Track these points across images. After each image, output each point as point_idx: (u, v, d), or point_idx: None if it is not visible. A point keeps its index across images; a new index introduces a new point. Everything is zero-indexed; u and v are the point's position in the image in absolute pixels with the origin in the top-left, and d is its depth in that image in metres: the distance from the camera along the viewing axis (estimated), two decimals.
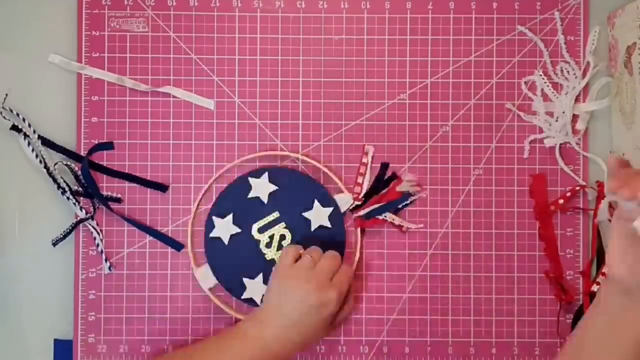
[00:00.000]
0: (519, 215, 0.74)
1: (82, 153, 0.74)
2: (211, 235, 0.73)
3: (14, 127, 0.72)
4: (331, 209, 0.72)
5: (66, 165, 0.73)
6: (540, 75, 0.74)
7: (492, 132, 0.75)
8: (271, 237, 0.72)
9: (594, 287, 0.72)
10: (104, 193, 0.73)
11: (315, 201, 0.72)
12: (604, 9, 0.74)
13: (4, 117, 0.73)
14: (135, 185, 0.74)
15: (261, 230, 0.73)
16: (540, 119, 0.74)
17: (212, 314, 0.74)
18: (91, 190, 0.72)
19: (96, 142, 0.74)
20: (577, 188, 0.73)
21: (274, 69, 0.74)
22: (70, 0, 0.74)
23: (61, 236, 0.72)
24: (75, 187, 0.73)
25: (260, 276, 0.72)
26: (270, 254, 0.73)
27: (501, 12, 0.75)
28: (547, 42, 0.75)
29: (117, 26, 0.74)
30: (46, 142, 0.73)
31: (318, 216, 0.72)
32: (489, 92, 0.75)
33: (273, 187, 0.72)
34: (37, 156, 0.72)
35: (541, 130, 0.74)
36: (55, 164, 0.73)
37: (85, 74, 0.74)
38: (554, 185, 0.74)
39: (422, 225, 0.73)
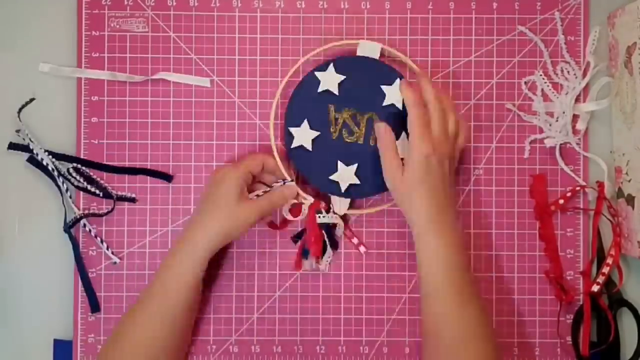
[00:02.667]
0: (519, 215, 0.74)
1: (82, 153, 0.74)
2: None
3: (16, 147, 0.73)
4: (399, 79, 0.71)
5: (75, 169, 0.73)
6: (541, 75, 0.74)
7: (492, 132, 0.75)
8: (345, 125, 0.71)
9: (594, 287, 0.72)
10: (117, 193, 0.73)
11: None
12: (604, 9, 0.75)
13: (16, 133, 0.73)
14: (135, 185, 0.74)
15: (336, 121, 0.72)
16: (540, 119, 0.74)
17: (212, 314, 0.74)
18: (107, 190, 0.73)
19: (96, 142, 0.74)
20: (577, 188, 0.73)
21: (274, 69, 0.74)
22: (70, 0, 0.74)
23: (70, 223, 0.73)
24: (90, 187, 0.73)
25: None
26: (356, 136, 0.72)
27: (501, 12, 0.75)
28: (547, 42, 0.75)
29: (117, 26, 0.74)
30: (51, 153, 0.73)
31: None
32: (489, 92, 0.75)
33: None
34: (42, 159, 0.72)
35: (541, 130, 0.74)
36: (67, 169, 0.73)
37: (80, 77, 0.74)
38: (554, 185, 0.74)
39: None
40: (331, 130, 0.71)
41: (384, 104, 0.71)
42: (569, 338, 0.73)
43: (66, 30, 0.74)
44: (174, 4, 0.75)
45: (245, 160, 0.71)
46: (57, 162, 0.73)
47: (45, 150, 0.73)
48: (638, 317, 0.73)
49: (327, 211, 0.72)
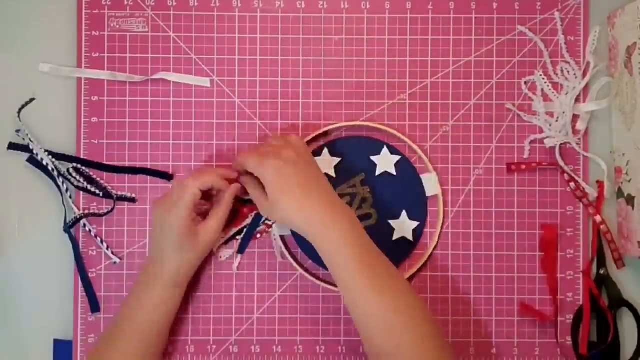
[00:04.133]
0: (519, 215, 0.74)
1: (82, 153, 0.74)
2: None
3: (16, 147, 0.73)
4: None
5: (75, 169, 0.73)
6: (541, 75, 0.74)
7: (492, 132, 0.75)
8: (353, 196, 0.73)
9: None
10: (117, 193, 0.73)
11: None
12: (604, 9, 0.75)
13: (16, 134, 0.73)
14: (135, 185, 0.74)
15: (353, 187, 0.73)
16: (540, 119, 0.74)
17: (211, 314, 0.74)
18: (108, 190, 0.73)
19: (96, 142, 0.74)
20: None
21: (274, 69, 0.74)
22: (70, 0, 0.74)
23: (70, 223, 0.73)
24: (90, 187, 0.73)
25: None
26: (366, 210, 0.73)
27: (501, 12, 0.75)
28: (547, 42, 0.75)
29: (117, 26, 0.74)
30: (51, 153, 0.73)
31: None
32: (489, 92, 0.75)
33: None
34: (42, 159, 0.73)
35: (541, 130, 0.74)
36: (67, 169, 0.73)
37: (80, 77, 0.74)
38: (554, 185, 0.74)
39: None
40: (343, 185, 0.73)
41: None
42: (569, 338, 0.73)
43: (66, 30, 0.74)
44: (174, 4, 0.74)
45: (186, 188, 0.67)
46: (57, 162, 0.73)
47: (45, 150, 0.73)
48: (638, 317, 0.73)
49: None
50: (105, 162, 0.74)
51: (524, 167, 0.74)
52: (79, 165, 0.73)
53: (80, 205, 0.73)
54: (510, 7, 0.75)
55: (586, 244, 0.74)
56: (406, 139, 0.73)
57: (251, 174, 0.68)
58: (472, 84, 0.75)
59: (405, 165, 0.73)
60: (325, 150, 0.73)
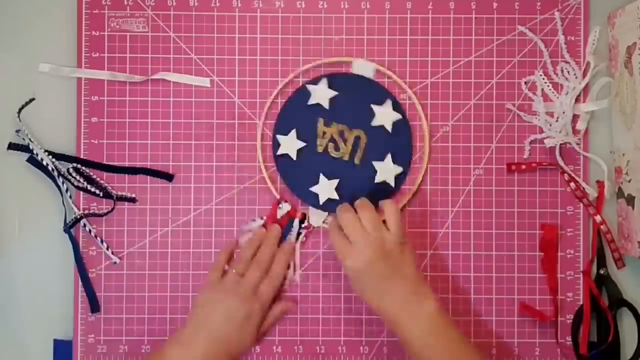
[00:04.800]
0: (519, 215, 0.74)
1: (82, 153, 0.74)
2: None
3: (16, 147, 0.73)
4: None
5: (75, 169, 0.73)
6: (541, 75, 0.74)
7: (492, 132, 0.75)
8: (333, 140, 0.73)
9: None
10: (117, 193, 0.73)
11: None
12: (604, 9, 0.75)
13: (17, 134, 0.73)
14: (135, 185, 0.74)
15: (324, 135, 0.73)
16: (541, 119, 0.74)
17: None
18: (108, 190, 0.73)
19: (96, 142, 0.74)
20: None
21: (274, 69, 0.74)
22: (70, 0, 0.74)
23: (70, 223, 0.73)
24: (90, 187, 0.73)
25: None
26: (342, 152, 0.73)
27: (501, 12, 0.75)
28: (547, 42, 0.74)
29: (117, 26, 0.74)
30: (51, 153, 0.73)
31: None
32: (489, 92, 0.75)
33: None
34: (42, 159, 0.73)
35: (541, 130, 0.74)
36: (67, 169, 0.73)
37: (80, 77, 0.74)
38: (554, 185, 0.74)
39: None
40: (318, 143, 0.73)
41: (373, 124, 0.73)
42: (569, 338, 0.73)
43: (66, 30, 0.74)
44: (174, 4, 0.74)
45: (267, 290, 0.70)
46: (57, 162, 0.73)
47: (45, 150, 0.73)
48: (638, 317, 0.73)
49: (302, 221, 0.73)
50: (105, 162, 0.74)
51: (524, 167, 0.74)
52: (79, 165, 0.73)
53: (80, 205, 0.73)
54: (510, 7, 0.75)
55: (586, 244, 0.74)
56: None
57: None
58: (472, 84, 0.75)
59: (335, 79, 0.73)
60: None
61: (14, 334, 0.74)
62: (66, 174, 0.73)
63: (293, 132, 0.73)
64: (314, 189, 0.73)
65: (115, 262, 0.73)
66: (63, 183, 0.73)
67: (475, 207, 0.74)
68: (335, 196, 0.73)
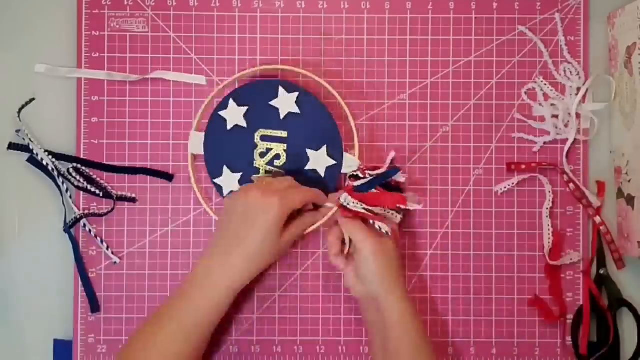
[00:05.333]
0: (519, 215, 0.74)
1: (82, 153, 0.74)
2: (219, 112, 0.72)
3: (16, 147, 0.73)
4: (334, 162, 0.72)
5: (75, 169, 0.73)
6: (541, 80, 0.74)
7: (492, 132, 0.75)
8: (268, 150, 0.72)
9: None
10: (117, 193, 0.73)
11: (325, 146, 0.72)
12: (604, 9, 0.75)
13: (17, 134, 0.73)
14: (135, 185, 0.74)
15: (263, 138, 0.72)
16: (548, 123, 0.74)
17: None
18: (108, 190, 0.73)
19: (96, 142, 0.74)
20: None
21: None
22: (70, 0, 0.74)
23: (70, 223, 0.73)
24: (90, 187, 0.73)
25: (239, 175, 0.72)
26: (259, 163, 0.72)
27: (501, 13, 0.75)
28: (547, 43, 0.75)
29: (117, 26, 0.74)
30: (51, 153, 0.73)
31: (319, 160, 0.72)
32: (489, 92, 0.75)
33: (297, 109, 0.72)
34: (42, 159, 0.73)
35: (542, 131, 0.74)
36: (67, 169, 0.73)
37: (76, 77, 0.74)
38: (554, 185, 0.74)
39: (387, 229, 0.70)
40: (256, 164, 0.72)
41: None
42: (569, 338, 0.73)
43: (66, 30, 0.74)
44: (174, 4, 0.74)
45: (292, 193, 0.66)
46: (57, 162, 0.73)
47: (45, 150, 0.73)
48: (638, 317, 0.73)
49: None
50: (105, 162, 0.74)
51: (524, 167, 0.74)
52: (79, 165, 0.73)
53: (80, 205, 0.73)
54: (510, 7, 0.75)
55: (586, 244, 0.74)
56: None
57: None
58: (472, 84, 0.75)
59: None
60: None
61: (14, 334, 0.74)
62: (66, 174, 0.73)
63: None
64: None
65: (115, 262, 0.73)
66: (63, 183, 0.73)
67: (475, 207, 0.74)
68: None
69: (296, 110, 0.72)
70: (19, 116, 0.73)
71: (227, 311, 0.70)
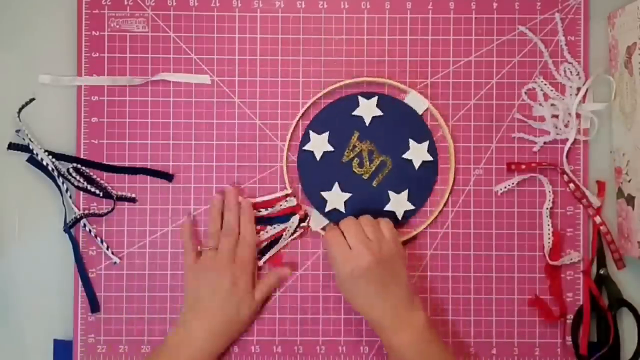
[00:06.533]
0: (518, 215, 0.74)
1: (82, 153, 0.74)
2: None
3: (16, 147, 0.73)
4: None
5: (75, 169, 0.73)
6: (541, 80, 0.74)
7: (492, 132, 0.75)
8: (360, 156, 0.73)
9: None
10: (117, 193, 0.73)
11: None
12: (604, 9, 0.75)
13: (17, 134, 0.73)
14: (135, 185, 0.74)
15: (354, 148, 0.73)
16: (548, 123, 0.74)
17: None
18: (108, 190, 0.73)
19: (96, 142, 0.74)
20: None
21: (274, 69, 0.74)
22: (70, 0, 0.74)
23: (70, 223, 0.73)
24: (90, 187, 0.73)
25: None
26: (364, 170, 0.73)
27: (501, 12, 0.75)
28: (547, 43, 0.75)
29: (117, 26, 0.74)
30: (51, 153, 0.73)
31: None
32: (489, 92, 0.75)
33: (378, 112, 0.73)
34: (42, 159, 0.73)
35: (542, 131, 0.74)
36: (67, 169, 0.73)
37: (79, 84, 0.74)
38: (554, 185, 0.74)
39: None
40: (345, 153, 0.73)
41: (404, 156, 0.73)
42: (569, 338, 0.73)
43: (66, 30, 0.74)
44: (174, 4, 0.74)
45: (244, 253, 0.71)
46: (57, 162, 0.73)
47: (45, 150, 0.73)
48: (638, 317, 0.73)
49: (302, 220, 0.73)
50: (105, 162, 0.74)
51: (523, 167, 0.74)
52: (79, 165, 0.73)
53: (80, 205, 0.73)
54: (510, 7, 0.75)
55: (586, 244, 0.74)
56: (403, 85, 0.73)
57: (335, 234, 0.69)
58: (472, 84, 0.75)
59: (386, 101, 0.73)
60: (311, 133, 0.73)
61: (14, 334, 0.74)
62: (66, 174, 0.73)
63: (325, 135, 0.73)
64: (325, 194, 0.73)
65: (115, 262, 0.73)
66: (63, 183, 0.73)
67: (475, 207, 0.74)
68: (342, 209, 0.73)
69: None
70: (19, 116, 0.73)
71: None
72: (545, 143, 0.74)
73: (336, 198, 0.73)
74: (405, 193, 0.73)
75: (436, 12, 0.75)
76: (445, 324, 0.74)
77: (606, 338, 0.72)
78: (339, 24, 0.75)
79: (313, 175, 0.73)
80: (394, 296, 0.67)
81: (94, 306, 0.73)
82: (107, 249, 0.73)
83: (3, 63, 0.74)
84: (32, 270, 0.74)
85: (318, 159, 0.73)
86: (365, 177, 0.73)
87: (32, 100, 0.74)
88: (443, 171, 0.74)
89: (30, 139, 0.73)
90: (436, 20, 0.75)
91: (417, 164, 0.73)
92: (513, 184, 0.74)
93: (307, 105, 0.74)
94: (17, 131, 0.73)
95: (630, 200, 0.71)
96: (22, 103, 0.74)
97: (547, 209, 0.73)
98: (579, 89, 0.74)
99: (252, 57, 0.75)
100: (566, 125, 0.74)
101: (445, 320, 0.74)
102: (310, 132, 0.73)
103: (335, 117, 0.73)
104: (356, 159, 0.73)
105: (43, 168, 0.73)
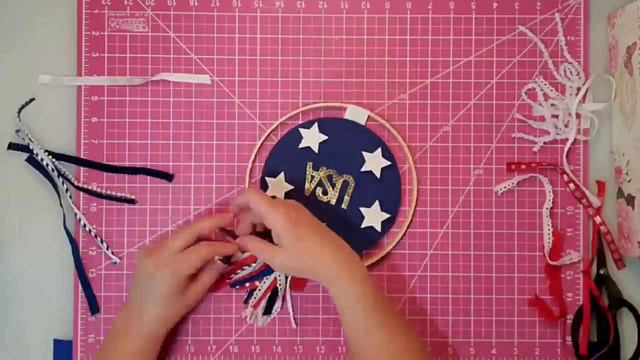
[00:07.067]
0: (519, 215, 0.74)
1: (82, 153, 0.74)
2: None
3: (16, 147, 0.73)
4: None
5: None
6: (541, 80, 0.74)
7: (492, 132, 0.75)
8: (321, 184, 0.73)
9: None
10: (117, 193, 0.73)
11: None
12: (604, 9, 0.75)
13: (17, 134, 0.73)
14: (135, 185, 0.74)
15: (312, 179, 0.73)
16: (548, 123, 0.74)
17: (211, 314, 0.74)
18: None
19: (96, 142, 0.74)
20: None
21: (274, 69, 0.74)
22: (70, 0, 0.74)
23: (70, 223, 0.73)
24: (90, 187, 0.73)
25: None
26: (330, 196, 0.73)
27: (501, 12, 0.75)
28: (547, 43, 0.75)
29: (117, 26, 0.74)
30: (51, 153, 0.73)
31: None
32: (489, 93, 0.75)
33: (323, 137, 0.73)
34: (42, 159, 0.73)
35: (542, 131, 0.74)
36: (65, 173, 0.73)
37: (79, 84, 0.74)
38: (554, 185, 0.74)
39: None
40: (306, 187, 0.73)
41: (362, 169, 0.73)
42: (569, 338, 0.73)
43: (66, 30, 0.74)
44: (174, 4, 0.75)
45: (185, 261, 0.67)
46: (57, 162, 0.73)
47: (45, 150, 0.73)
48: (638, 317, 0.73)
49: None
50: (105, 162, 0.74)
51: (523, 167, 0.74)
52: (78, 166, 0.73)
53: (80, 205, 0.73)
54: (510, 7, 0.75)
55: (586, 244, 0.74)
56: (402, 143, 0.74)
57: (248, 232, 0.69)
58: (472, 84, 0.75)
59: (327, 124, 0.73)
60: (267, 179, 0.73)
61: (14, 334, 0.74)
62: (66, 173, 0.73)
63: (281, 175, 0.73)
64: None
65: (115, 262, 0.73)
66: (63, 183, 0.73)
67: (475, 207, 0.74)
68: None
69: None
70: (19, 116, 0.73)
71: (227, 311, 0.71)
72: (545, 143, 0.74)
73: (278, 186, 0.73)
74: (376, 204, 0.73)
75: (436, 12, 0.75)
76: (445, 324, 0.74)
77: (606, 338, 0.72)
78: (339, 24, 0.75)
79: (285, 157, 0.73)
80: (336, 244, 0.67)
81: (94, 308, 0.73)
82: (107, 249, 0.73)
83: (3, 63, 0.74)
84: (32, 270, 0.74)
85: (300, 147, 0.73)
86: (333, 202, 0.73)
87: (32, 100, 0.74)
88: (409, 171, 0.74)
89: (30, 139, 0.73)
90: (436, 20, 0.75)
91: (377, 173, 0.73)
92: (513, 184, 0.74)
93: (256, 148, 0.73)
94: (17, 131, 0.73)
95: (630, 200, 0.71)
96: (22, 103, 0.74)
97: (547, 209, 0.74)
98: (579, 89, 0.74)
99: (252, 57, 0.75)
100: (566, 125, 0.74)
101: (446, 320, 0.74)
102: (266, 178, 0.73)
103: (284, 155, 0.73)
104: (318, 187, 0.73)
105: (42, 168, 0.73)
